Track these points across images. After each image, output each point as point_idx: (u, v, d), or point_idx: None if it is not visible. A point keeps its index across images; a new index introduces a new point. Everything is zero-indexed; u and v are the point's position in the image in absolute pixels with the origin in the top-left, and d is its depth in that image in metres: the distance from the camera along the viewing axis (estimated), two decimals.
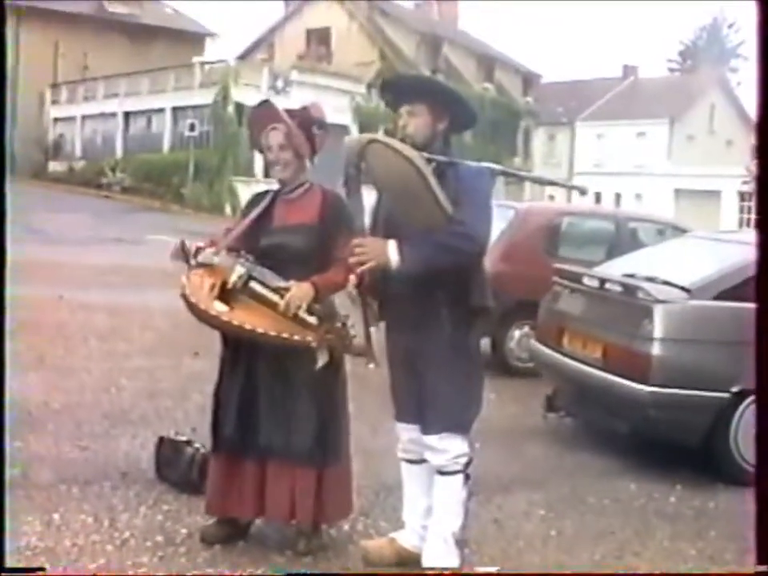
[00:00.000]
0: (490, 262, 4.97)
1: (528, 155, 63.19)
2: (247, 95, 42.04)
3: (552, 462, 7.63)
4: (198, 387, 8.44)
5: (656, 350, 7.23)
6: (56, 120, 53.37)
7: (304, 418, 5.07)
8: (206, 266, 5.03)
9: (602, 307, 7.98)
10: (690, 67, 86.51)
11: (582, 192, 5.63)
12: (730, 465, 7.24)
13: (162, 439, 6.46)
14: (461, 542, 4.96)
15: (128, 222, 31.78)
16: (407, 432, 5.06)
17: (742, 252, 7.67)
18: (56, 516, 5.54)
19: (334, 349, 5.00)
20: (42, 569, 4.55)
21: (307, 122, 5.21)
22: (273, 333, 4.83)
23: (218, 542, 5.25)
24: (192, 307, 4.88)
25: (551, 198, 48.99)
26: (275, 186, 5.33)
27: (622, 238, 11.91)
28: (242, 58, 53.84)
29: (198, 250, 5.09)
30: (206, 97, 43.71)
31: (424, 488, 5.09)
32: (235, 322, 4.84)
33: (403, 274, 4.58)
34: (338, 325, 4.98)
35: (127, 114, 49.26)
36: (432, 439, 4.83)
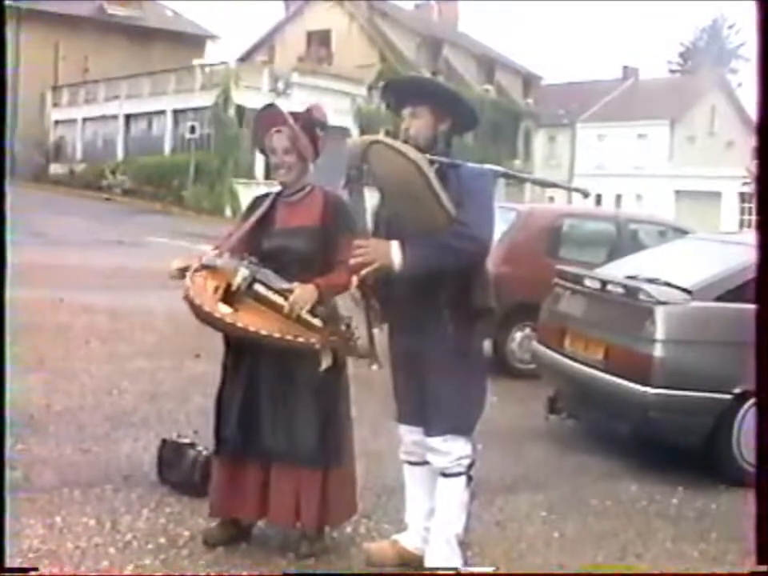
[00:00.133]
0: (491, 264, 4.97)
1: (528, 157, 63.15)
2: (248, 97, 42.12)
3: (554, 463, 7.63)
4: (200, 389, 8.44)
5: (658, 351, 7.22)
6: (57, 122, 53.34)
7: (307, 420, 5.07)
8: (210, 268, 5.02)
9: (603, 309, 7.98)
10: (691, 68, 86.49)
11: (585, 194, 5.62)
12: (732, 466, 7.24)
13: (164, 441, 6.46)
14: (463, 544, 4.97)
15: (129, 224, 31.78)
16: (410, 434, 5.06)
17: (743, 253, 7.67)
18: (58, 519, 5.54)
19: (338, 351, 5.00)
20: (35, 569, 4.54)
21: (310, 124, 5.22)
22: (277, 335, 4.83)
23: (220, 544, 5.25)
24: (196, 309, 4.88)
25: (551, 199, 48.93)
26: (276, 189, 5.34)
27: (623, 240, 11.92)
28: (243, 60, 53.81)
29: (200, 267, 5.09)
30: (206, 99, 43.72)
31: (426, 490, 5.09)
32: (239, 324, 4.84)
33: (406, 276, 4.58)
34: (342, 327, 4.98)
35: (128, 117, 49.25)
36: (435, 441, 4.83)
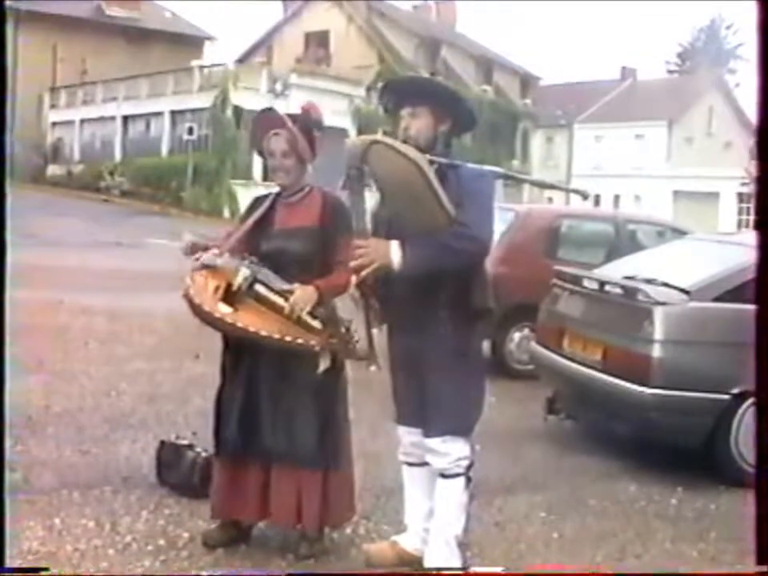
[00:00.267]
0: (489, 264, 4.97)
1: (526, 157, 63.12)
2: (246, 98, 42.12)
3: (553, 464, 7.64)
4: (199, 391, 8.45)
5: (656, 351, 7.23)
6: (54, 124, 53.33)
7: (306, 421, 5.06)
8: (210, 268, 5.02)
9: (601, 309, 7.98)
10: (689, 69, 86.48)
11: (584, 196, 5.63)
12: (731, 466, 7.24)
13: (163, 443, 6.46)
14: (462, 545, 4.97)
15: (127, 225, 31.80)
16: (408, 435, 5.06)
17: (741, 254, 7.68)
18: (57, 521, 5.54)
19: (337, 353, 5.00)
20: (45, 569, 4.56)
21: (308, 125, 5.22)
22: (276, 336, 4.83)
23: (220, 545, 5.25)
24: (196, 308, 4.88)
25: (549, 200, 48.93)
26: (275, 190, 5.34)
27: (622, 240, 11.93)
28: (241, 61, 53.81)
29: (205, 249, 5.09)
30: (204, 100, 43.72)
31: (425, 491, 5.10)
32: (239, 324, 4.84)
33: (405, 276, 4.58)
34: (342, 330, 4.99)
35: (126, 118, 49.25)
36: (434, 442, 4.83)
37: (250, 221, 5.23)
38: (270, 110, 5.39)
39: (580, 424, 8.64)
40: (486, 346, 9.86)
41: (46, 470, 6.45)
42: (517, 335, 11.33)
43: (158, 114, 47.03)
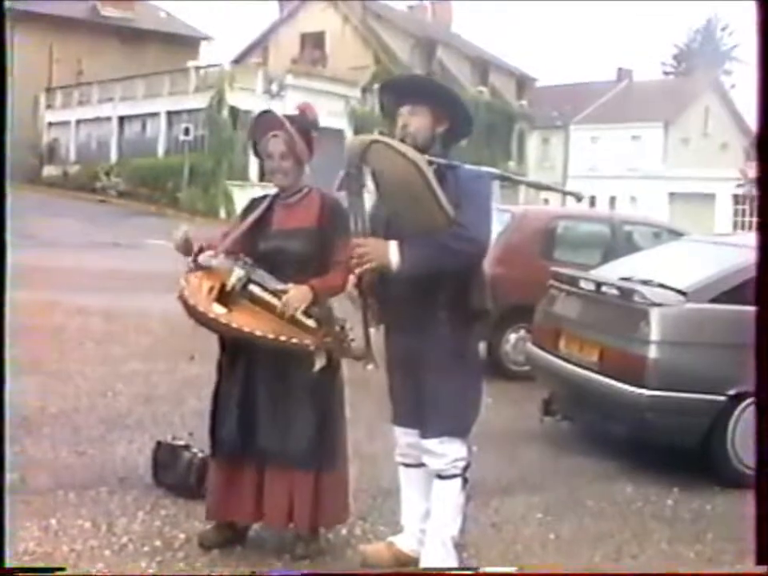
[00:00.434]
0: (486, 265, 4.98)
1: (522, 159, 63.17)
2: (242, 99, 42.19)
3: (549, 465, 7.63)
4: (195, 391, 8.44)
5: (652, 353, 7.23)
6: (50, 124, 53.33)
7: (301, 422, 5.06)
8: (205, 269, 5.02)
9: (598, 310, 7.98)
10: (685, 70, 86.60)
11: (578, 198, 5.64)
12: (727, 467, 7.24)
13: (159, 444, 6.46)
14: (459, 546, 4.97)
15: (123, 226, 31.79)
16: (405, 436, 5.06)
17: (738, 255, 7.69)
18: (53, 521, 5.54)
19: (332, 352, 5.00)
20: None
21: (305, 126, 5.22)
22: (271, 335, 4.82)
23: (216, 546, 5.24)
24: (190, 309, 4.88)
25: (546, 201, 48.96)
26: (273, 191, 5.33)
27: (618, 242, 11.94)
28: (237, 61, 53.84)
29: (200, 250, 5.08)
30: (200, 101, 43.75)
31: (422, 492, 5.09)
32: (234, 325, 4.84)
33: (403, 276, 4.58)
34: (337, 328, 4.98)
35: (122, 119, 49.26)
36: (431, 443, 4.83)
37: (248, 221, 5.23)
38: (268, 112, 5.38)
39: (576, 425, 8.64)
40: (482, 347, 9.89)
41: (42, 471, 6.44)
42: (513, 336, 11.34)
43: (154, 114, 47.06)
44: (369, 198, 4.76)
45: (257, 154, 5.34)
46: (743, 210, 55.49)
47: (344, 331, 4.99)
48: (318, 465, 5.09)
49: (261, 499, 5.13)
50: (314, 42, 56.15)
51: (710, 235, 12.22)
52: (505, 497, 6.66)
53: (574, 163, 68.95)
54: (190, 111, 44.35)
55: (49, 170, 51.36)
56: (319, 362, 4.97)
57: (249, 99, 42.43)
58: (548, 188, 6.09)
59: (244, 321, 4.86)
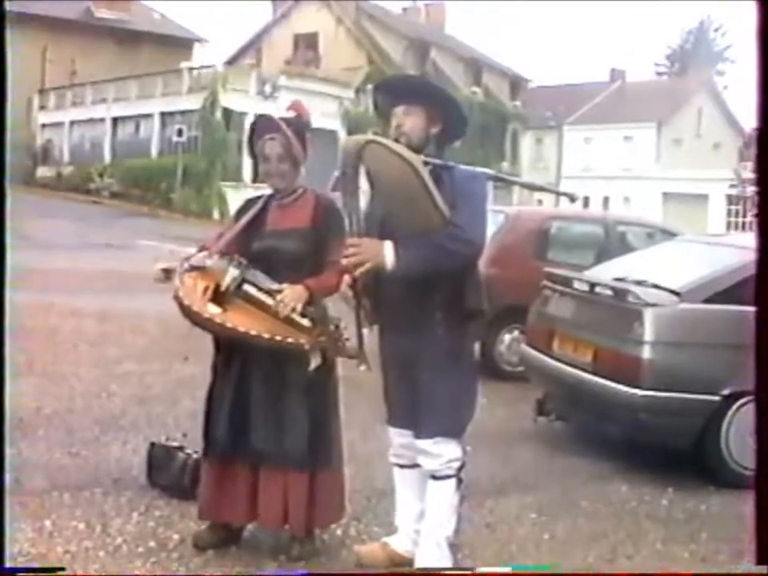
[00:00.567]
0: (480, 266, 4.98)
1: (516, 159, 63.18)
2: (235, 100, 42.18)
3: (543, 465, 7.64)
4: (189, 392, 8.45)
5: (646, 353, 7.23)
6: (44, 125, 53.24)
7: (296, 422, 5.06)
8: (200, 269, 5.02)
9: (592, 311, 7.99)
10: (678, 71, 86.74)
11: (572, 199, 5.65)
12: (722, 467, 7.25)
13: (153, 445, 6.46)
14: (454, 546, 4.97)
15: (117, 227, 31.74)
16: (400, 436, 5.06)
17: (731, 255, 7.71)
18: (48, 522, 5.54)
19: (327, 352, 5.00)
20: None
21: (301, 128, 5.22)
22: (266, 335, 4.83)
23: (210, 547, 5.24)
24: (185, 310, 4.88)
25: (539, 202, 48.97)
26: (267, 191, 5.34)
27: (611, 242, 11.95)
28: (230, 63, 53.81)
29: (186, 260, 5.08)
30: (194, 102, 43.66)
31: (416, 492, 5.10)
32: (228, 325, 4.84)
33: (398, 276, 4.59)
34: (331, 328, 4.99)
35: (115, 120, 49.17)
36: (426, 443, 4.83)
37: (242, 222, 5.23)
38: (265, 115, 5.37)
39: (570, 425, 8.64)
40: (475, 347, 9.89)
41: (37, 472, 6.44)
42: (507, 337, 11.36)
43: (148, 115, 46.97)
44: (364, 199, 4.76)
45: (253, 156, 5.34)
46: (736, 211, 55.57)
47: (338, 330, 5.00)
48: (313, 465, 5.09)
49: (254, 499, 5.13)
50: (307, 42, 56.13)
51: (703, 235, 12.25)
52: (499, 497, 6.67)
53: (568, 164, 69.01)
54: (183, 112, 44.27)
55: (42, 171, 51.26)
56: (314, 362, 4.97)
57: (242, 100, 42.45)
58: (542, 189, 6.10)
59: (239, 321, 4.86)
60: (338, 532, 5.60)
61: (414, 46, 56.82)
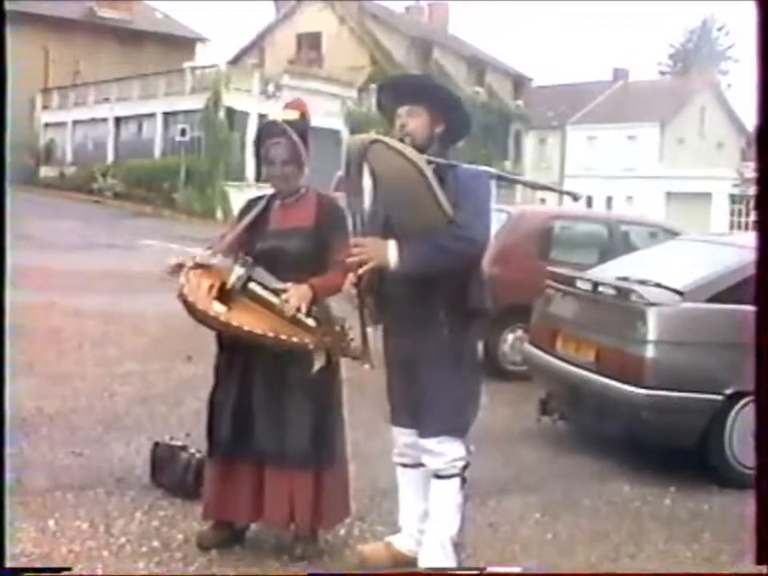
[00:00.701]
0: (483, 265, 4.98)
1: (519, 159, 63.20)
2: (238, 100, 42.19)
3: (546, 465, 7.64)
4: (192, 392, 8.45)
5: (649, 352, 7.23)
6: (47, 125, 53.26)
7: (300, 422, 5.06)
8: (205, 267, 5.02)
9: (595, 310, 7.99)
10: (680, 70, 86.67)
11: (575, 198, 5.64)
12: (724, 467, 7.25)
13: (156, 444, 6.46)
14: (457, 546, 4.97)
15: (120, 227, 31.75)
16: (403, 436, 5.06)
17: (734, 255, 7.70)
18: (51, 522, 5.54)
19: (331, 352, 5.00)
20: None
21: (305, 130, 5.22)
22: (271, 334, 4.82)
23: (214, 546, 5.24)
24: (190, 307, 4.88)
25: (542, 201, 48.95)
26: (270, 191, 5.34)
27: (614, 241, 11.94)
28: (233, 62, 53.78)
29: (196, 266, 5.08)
30: (196, 102, 43.67)
31: (420, 492, 5.09)
32: (234, 323, 4.84)
33: (402, 276, 4.59)
34: (336, 328, 4.99)
35: (118, 120, 49.18)
36: (429, 442, 4.83)
37: (245, 221, 5.23)
38: (271, 121, 5.34)
39: (573, 425, 8.63)
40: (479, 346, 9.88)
41: (40, 472, 6.43)
42: (510, 336, 11.35)
43: (151, 115, 46.97)
44: (367, 198, 4.76)
45: (258, 158, 5.33)
46: (739, 210, 55.55)
47: (344, 331, 5.00)
48: (318, 464, 5.09)
49: (258, 499, 5.13)
50: (310, 42, 56.13)
51: (706, 235, 12.23)
52: (502, 496, 6.66)
53: (571, 163, 68.99)
54: (186, 112, 44.26)
55: (45, 171, 51.29)
56: (318, 362, 4.97)
57: (245, 100, 42.46)
58: (545, 188, 6.10)
59: (244, 319, 4.86)
60: (342, 531, 5.60)
61: (416, 45, 56.80)
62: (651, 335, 7.23)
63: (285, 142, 5.12)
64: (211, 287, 4.93)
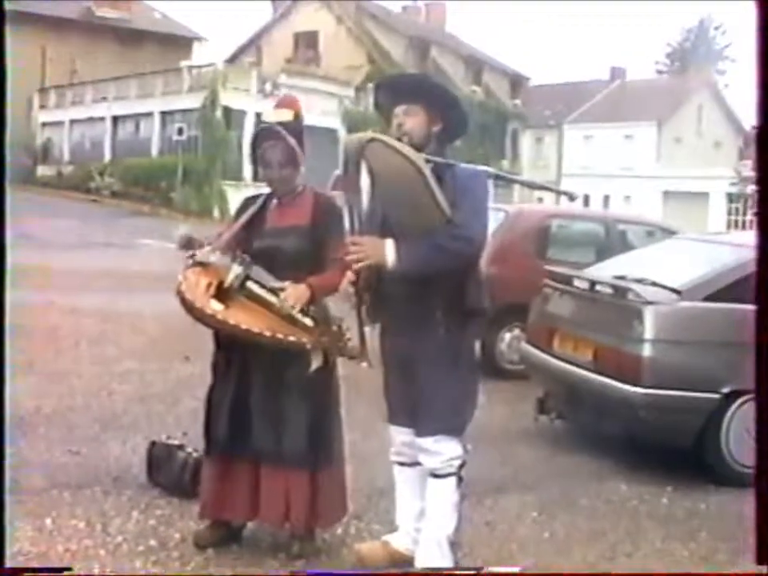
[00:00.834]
0: (480, 264, 4.98)
1: (516, 158, 63.18)
2: (235, 99, 42.16)
3: (543, 464, 7.64)
4: (189, 391, 8.45)
5: (646, 351, 7.23)
6: (44, 124, 53.23)
7: (297, 421, 5.06)
8: (203, 265, 5.02)
9: (592, 309, 7.99)
10: (678, 69, 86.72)
11: (572, 198, 5.65)
12: (721, 466, 7.25)
13: (153, 443, 6.46)
14: (454, 545, 4.97)
15: (117, 226, 31.76)
16: (400, 435, 5.06)
17: (731, 253, 7.71)
18: (48, 521, 5.54)
19: (329, 351, 5.00)
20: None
21: (300, 130, 5.21)
22: (268, 333, 4.83)
23: (211, 545, 5.24)
24: (188, 305, 4.88)
25: (540, 200, 48.96)
26: (267, 190, 5.33)
27: (612, 240, 11.96)
28: (230, 61, 53.75)
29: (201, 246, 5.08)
30: (194, 101, 43.63)
31: (417, 491, 5.09)
32: (231, 322, 4.84)
33: (399, 275, 4.59)
34: (334, 328, 4.99)
35: (115, 119, 49.15)
36: (426, 441, 4.83)
37: (242, 220, 5.23)
38: (266, 125, 5.33)
39: (571, 424, 8.63)
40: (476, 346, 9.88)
41: (36, 471, 6.43)
42: (507, 335, 11.35)
43: (148, 114, 46.94)
44: (365, 197, 4.76)
45: (255, 162, 5.32)
46: (737, 209, 55.57)
47: (341, 330, 5.00)
48: (314, 463, 5.09)
49: (255, 498, 5.13)
50: (307, 41, 56.10)
51: (703, 234, 12.23)
52: (499, 495, 6.67)
53: (568, 162, 69.09)
54: (183, 111, 44.22)
55: (42, 170, 51.25)
56: (316, 361, 4.98)
57: (242, 99, 42.45)
58: (542, 187, 6.09)
59: (241, 318, 4.86)
60: (339, 530, 5.60)
61: (414, 44, 56.79)
62: (648, 334, 7.23)
63: (280, 144, 5.12)
64: (209, 285, 4.93)
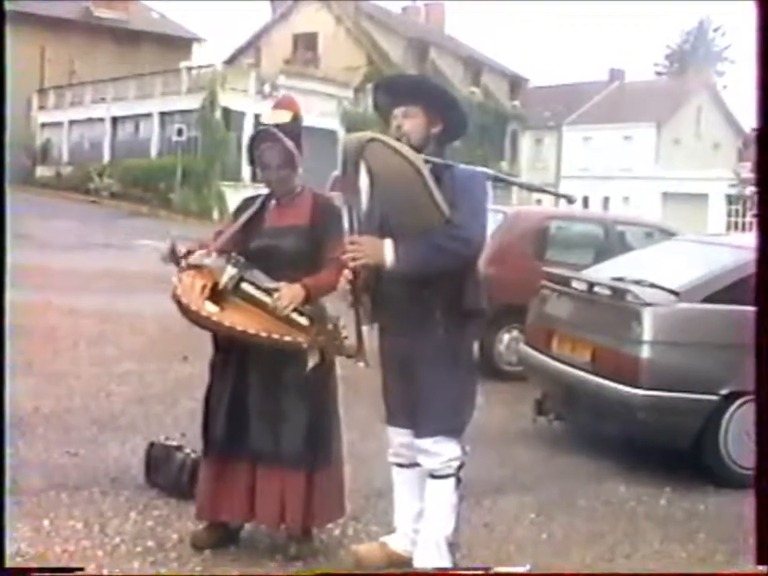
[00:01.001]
0: (479, 265, 4.98)
1: (515, 159, 63.16)
2: (234, 100, 42.15)
3: (542, 465, 7.64)
4: (188, 392, 8.45)
5: (645, 353, 7.23)
6: (43, 125, 53.21)
7: (294, 421, 5.06)
8: (198, 268, 5.02)
9: (590, 310, 7.99)
10: (677, 71, 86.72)
11: (570, 201, 5.65)
12: (720, 467, 7.25)
13: (151, 444, 6.45)
14: (452, 546, 4.96)
15: (116, 227, 31.75)
16: (399, 436, 5.05)
17: (730, 255, 7.71)
18: (46, 522, 5.53)
19: (325, 350, 5.00)
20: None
21: (298, 131, 5.21)
22: (264, 334, 4.83)
23: (208, 546, 5.24)
24: (183, 308, 4.88)
25: (538, 201, 48.96)
26: (266, 190, 5.33)
27: (610, 242, 11.96)
28: (229, 62, 53.75)
29: (188, 252, 5.08)
30: (193, 102, 43.62)
31: (415, 492, 5.09)
32: (226, 323, 4.84)
33: (397, 275, 4.59)
34: (330, 326, 4.99)
35: (115, 119, 49.14)
36: (425, 442, 4.83)
37: (241, 220, 5.23)
38: (263, 128, 5.32)
39: (569, 425, 8.63)
40: (474, 347, 9.88)
41: (34, 472, 6.42)
42: (506, 336, 11.35)
43: (147, 115, 46.93)
44: (364, 197, 4.75)
45: (252, 164, 5.32)
46: (736, 210, 55.60)
47: (337, 329, 5.00)
48: (311, 464, 5.09)
49: (252, 499, 5.12)
50: (306, 42, 56.08)
51: (702, 235, 12.24)
52: (497, 497, 6.66)
53: (567, 163, 69.10)
54: (182, 112, 44.21)
55: (41, 171, 51.23)
56: (312, 360, 4.97)
57: (241, 100, 42.46)
58: (540, 190, 6.08)
59: (237, 319, 4.86)
60: (337, 531, 5.60)
61: (413, 46, 56.77)
62: (647, 335, 7.23)
63: (278, 146, 5.11)
64: (204, 287, 4.94)
